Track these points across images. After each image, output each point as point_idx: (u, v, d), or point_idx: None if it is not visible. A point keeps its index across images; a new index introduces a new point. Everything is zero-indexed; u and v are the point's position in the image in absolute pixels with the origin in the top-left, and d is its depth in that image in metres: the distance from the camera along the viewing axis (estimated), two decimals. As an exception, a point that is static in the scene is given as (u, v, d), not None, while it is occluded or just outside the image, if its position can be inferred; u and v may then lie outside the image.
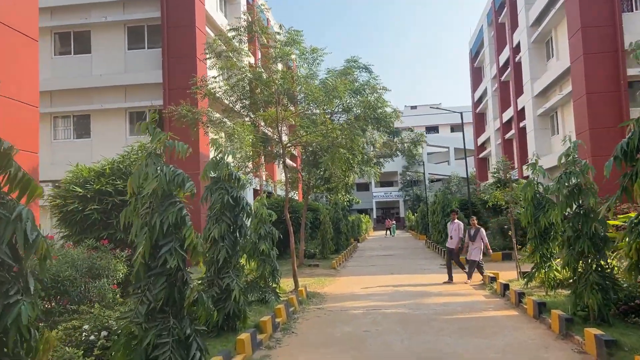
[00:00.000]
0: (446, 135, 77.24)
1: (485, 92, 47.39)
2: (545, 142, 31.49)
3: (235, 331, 8.79)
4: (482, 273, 15.16)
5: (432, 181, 71.53)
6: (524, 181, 16.15)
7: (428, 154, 73.32)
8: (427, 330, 9.04)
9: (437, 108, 21.70)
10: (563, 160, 8.60)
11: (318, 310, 11.69)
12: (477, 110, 51.30)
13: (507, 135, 40.25)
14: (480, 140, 50.78)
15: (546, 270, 10.99)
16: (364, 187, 74.36)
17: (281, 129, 14.58)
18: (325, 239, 25.42)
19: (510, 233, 14.81)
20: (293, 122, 15.39)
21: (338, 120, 18.42)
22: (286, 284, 15.32)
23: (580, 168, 8.36)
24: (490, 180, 25.23)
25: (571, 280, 8.67)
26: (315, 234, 29.19)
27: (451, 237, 15.75)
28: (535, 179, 11.34)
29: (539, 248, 11.01)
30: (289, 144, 15.20)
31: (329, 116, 17.96)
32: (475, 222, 15.65)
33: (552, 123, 31.51)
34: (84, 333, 6.91)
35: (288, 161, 22.00)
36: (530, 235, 11.13)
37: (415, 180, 74.20)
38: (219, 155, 8.93)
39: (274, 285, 11.89)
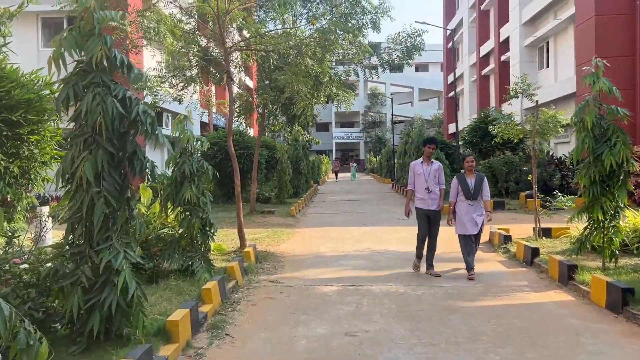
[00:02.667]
0: (410, 75, 73.20)
1: (460, 24, 43.29)
2: (531, 77, 27.94)
3: (121, 342, 4.94)
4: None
5: (394, 122, 68.02)
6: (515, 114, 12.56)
7: (391, 93, 69.53)
8: (453, 337, 5.38)
9: (424, 23, 17.47)
10: None
11: (271, 285, 7.92)
12: (449, 45, 47.31)
13: (484, 71, 36.67)
14: (451, 78, 47.06)
15: (610, 232, 7.46)
16: (324, 127, 70.44)
17: (225, 25, 10.25)
18: (283, 180, 21.58)
19: (529, 178, 11.05)
20: (241, 21, 11.05)
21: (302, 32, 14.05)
22: (230, 237, 11.58)
23: None
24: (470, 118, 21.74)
25: None
26: (271, 175, 25.33)
27: (428, 190, 8.31)
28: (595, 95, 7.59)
29: (599, 199, 7.43)
30: (234, 47, 10.88)
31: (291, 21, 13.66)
32: (473, 164, 8.46)
33: (540, 55, 27.98)
34: None
35: (237, 89, 17.73)
36: (586, 181, 7.51)
37: (377, 121, 70.61)
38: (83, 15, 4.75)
39: (205, 248, 7.98)
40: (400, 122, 70.28)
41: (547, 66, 26.70)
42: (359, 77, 13.81)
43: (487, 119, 22.77)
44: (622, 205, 7.52)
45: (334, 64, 14.81)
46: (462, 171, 8.52)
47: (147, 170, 5.17)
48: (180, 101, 11.19)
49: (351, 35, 12.34)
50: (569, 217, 8.30)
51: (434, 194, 8.38)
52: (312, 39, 10.57)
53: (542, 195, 11.34)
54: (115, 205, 4.92)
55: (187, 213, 7.82)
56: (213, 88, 31.07)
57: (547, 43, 26.71)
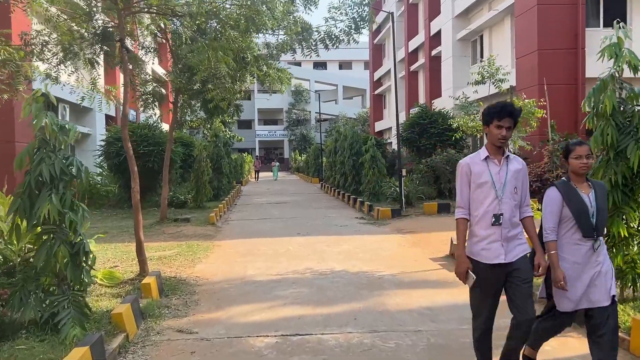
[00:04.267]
0: (334, 72, 72.12)
1: (387, 19, 42.03)
2: (464, 72, 26.95)
3: None
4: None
5: (318, 121, 66.49)
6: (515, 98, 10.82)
7: (315, 91, 67.96)
8: None
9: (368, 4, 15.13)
10: None
11: (179, 337, 5.46)
12: (376, 41, 46.02)
13: (413, 67, 35.54)
14: (377, 74, 45.85)
15: (634, 252, 5.65)
16: (247, 124, 67.66)
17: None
18: (201, 181, 18.85)
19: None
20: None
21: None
22: (131, 257, 9.09)
23: None
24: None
25: None
26: (187, 175, 22.57)
27: (498, 219, 3.62)
28: (616, 74, 5.77)
29: (620, 209, 5.62)
30: (131, 9, 8.20)
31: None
32: (591, 162, 3.95)
33: (473, 49, 26.95)
34: None
35: (131, 67, 14.99)
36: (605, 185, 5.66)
37: (302, 119, 68.74)
38: None
39: (80, 287, 5.40)
40: (325, 120, 68.81)
41: (482, 60, 25.64)
42: (296, 53, 11.56)
43: (426, 114, 21.30)
44: (649, 218, 5.75)
45: (261, 47, 12.44)
46: (564, 179, 4.01)
47: None
48: (56, 80, 8.47)
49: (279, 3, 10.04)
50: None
51: (512, 227, 3.70)
52: (235, 4, 8.19)
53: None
54: None
55: (50, 235, 5.24)
56: (121, 78, 27.73)
57: (481, 37, 25.68)
